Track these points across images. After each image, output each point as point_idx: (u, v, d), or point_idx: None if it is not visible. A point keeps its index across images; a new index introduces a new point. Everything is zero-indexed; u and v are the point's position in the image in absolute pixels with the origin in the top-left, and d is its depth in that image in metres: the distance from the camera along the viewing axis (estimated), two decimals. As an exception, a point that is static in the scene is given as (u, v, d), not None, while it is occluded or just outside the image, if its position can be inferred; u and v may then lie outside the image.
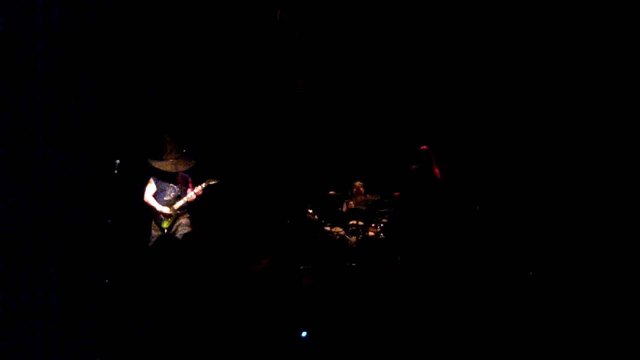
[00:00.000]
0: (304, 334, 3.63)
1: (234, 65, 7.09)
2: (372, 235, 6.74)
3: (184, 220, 5.53)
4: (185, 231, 5.45)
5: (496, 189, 6.66)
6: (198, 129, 6.80)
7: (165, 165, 5.49)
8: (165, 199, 5.50)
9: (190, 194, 5.53)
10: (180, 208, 5.51)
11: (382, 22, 7.21)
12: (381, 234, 6.68)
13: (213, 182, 5.58)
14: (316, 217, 6.96)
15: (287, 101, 7.55)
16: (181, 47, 6.68)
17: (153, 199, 5.51)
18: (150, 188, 5.55)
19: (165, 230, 5.43)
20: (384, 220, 6.92)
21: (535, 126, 6.63)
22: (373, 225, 6.95)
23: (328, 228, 6.89)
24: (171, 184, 5.56)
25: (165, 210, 5.45)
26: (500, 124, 6.92)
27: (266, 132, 7.43)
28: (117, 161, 5.35)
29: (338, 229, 6.94)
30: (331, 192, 7.12)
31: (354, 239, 6.75)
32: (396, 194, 6.25)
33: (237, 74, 7.17)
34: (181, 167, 5.56)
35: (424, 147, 5.79)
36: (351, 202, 7.22)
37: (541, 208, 6.31)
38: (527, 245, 5.75)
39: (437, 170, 5.77)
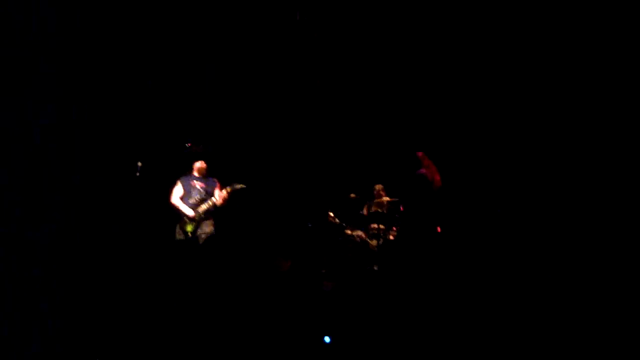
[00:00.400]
0: (327, 339, 3.60)
1: (255, 67, 7.10)
2: (392, 239, 6.69)
3: (207, 229, 5.44)
4: (209, 236, 5.43)
5: (498, 194, 6.56)
6: (220, 133, 6.83)
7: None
8: (190, 201, 5.47)
9: (216, 197, 5.50)
10: (205, 212, 5.46)
11: (401, 24, 7.15)
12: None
13: (239, 187, 5.52)
14: (337, 220, 6.94)
15: (307, 104, 7.54)
16: (202, 49, 6.72)
17: (180, 201, 5.48)
18: (178, 190, 5.54)
19: (189, 234, 5.40)
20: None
21: (537, 130, 6.52)
22: (394, 228, 6.90)
23: (349, 231, 6.86)
24: (197, 187, 5.54)
25: (190, 213, 5.42)
26: (506, 130, 6.82)
27: (286, 135, 7.43)
28: (139, 164, 5.34)
29: (359, 233, 6.91)
30: (352, 195, 7.09)
31: (374, 242, 6.71)
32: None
33: (257, 76, 7.19)
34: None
35: (420, 152, 5.71)
36: (372, 205, 7.18)
37: (542, 210, 6.20)
38: (530, 247, 5.66)
39: (437, 176, 5.69)
